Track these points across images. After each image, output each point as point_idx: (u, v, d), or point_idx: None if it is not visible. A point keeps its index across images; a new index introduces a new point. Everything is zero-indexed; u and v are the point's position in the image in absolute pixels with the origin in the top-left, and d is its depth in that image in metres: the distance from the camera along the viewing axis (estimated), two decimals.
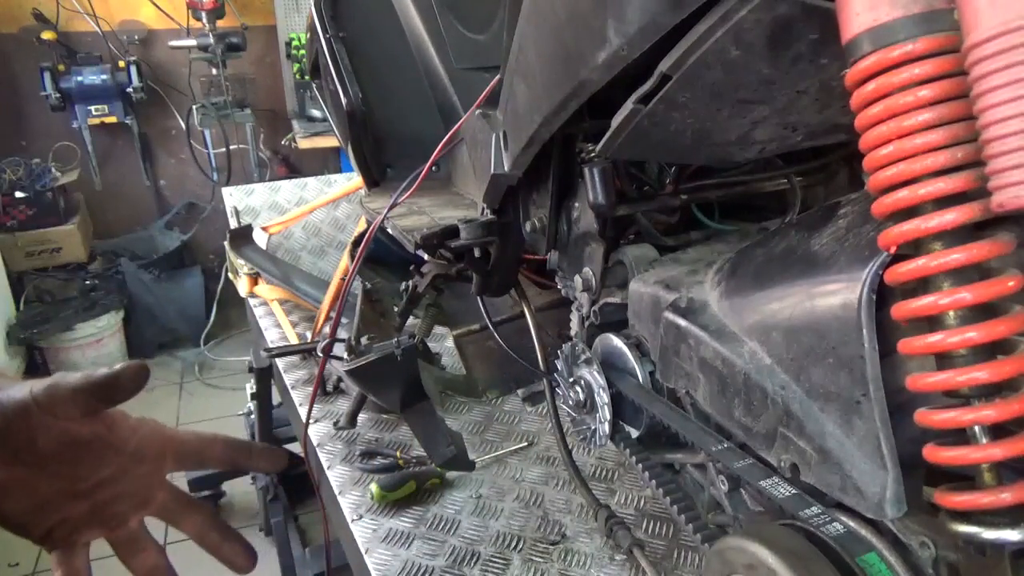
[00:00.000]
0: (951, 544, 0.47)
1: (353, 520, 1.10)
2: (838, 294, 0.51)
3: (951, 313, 0.42)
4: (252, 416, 2.13)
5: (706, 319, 0.67)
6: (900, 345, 0.45)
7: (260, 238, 1.95)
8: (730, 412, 0.63)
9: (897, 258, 0.45)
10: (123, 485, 0.62)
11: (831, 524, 0.53)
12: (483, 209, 1.02)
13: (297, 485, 2.21)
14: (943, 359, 0.43)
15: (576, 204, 0.90)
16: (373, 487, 1.11)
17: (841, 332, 0.50)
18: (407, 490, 1.12)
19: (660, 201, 0.86)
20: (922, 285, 0.43)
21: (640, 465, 0.82)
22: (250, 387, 2.04)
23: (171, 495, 0.66)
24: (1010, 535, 0.41)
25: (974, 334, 0.41)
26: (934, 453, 0.44)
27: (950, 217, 0.40)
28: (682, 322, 0.69)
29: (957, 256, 0.41)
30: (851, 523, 0.53)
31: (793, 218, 0.86)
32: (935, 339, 0.42)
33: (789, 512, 0.56)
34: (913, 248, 0.43)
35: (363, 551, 1.04)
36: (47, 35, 3.62)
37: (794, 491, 0.57)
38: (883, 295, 0.48)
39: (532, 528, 1.08)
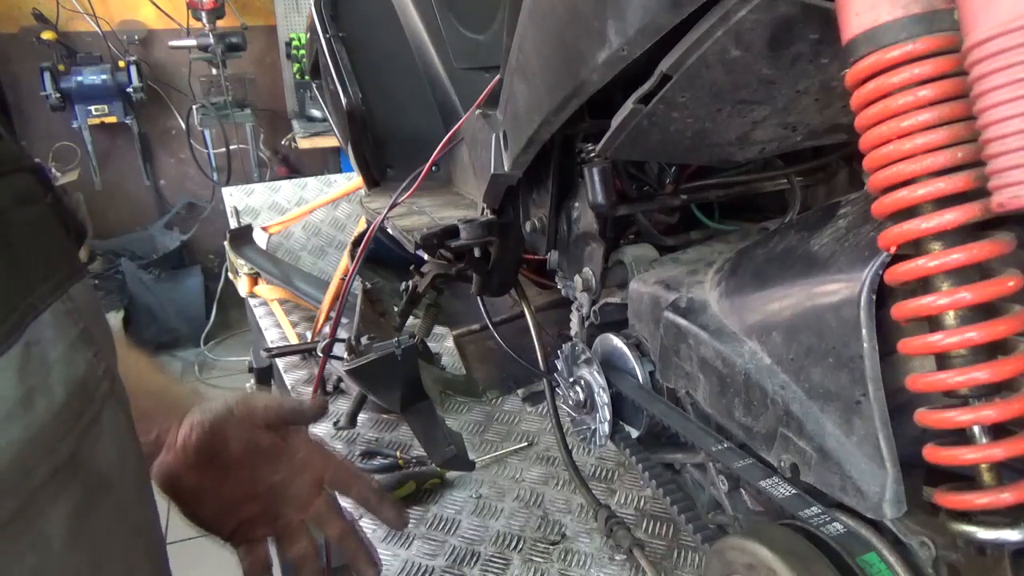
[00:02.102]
0: (951, 544, 0.47)
1: (353, 520, 1.10)
2: (838, 294, 0.51)
3: (951, 313, 0.42)
4: None
5: (706, 319, 0.67)
6: (900, 345, 0.45)
7: (260, 238, 1.95)
8: (730, 412, 0.63)
9: (897, 258, 0.45)
10: (290, 490, 0.73)
11: (831, 524, 0.53)
12: (483, 209, 1.02)
13: None
14: (943, 359, 0.43)
15: (576, 204, 0.90)
16: None
17: (841, 332, 0.50)
18: (407, 490, 1.12)
19: (660, 201, 0.86)
20: (922, 285, 0.43)
21: (640, 465, 0.83)
22: (250, 387, 2.04)
23: (326, 503, 0.77)
24: (1010, 535, 0.41)
25: (974, 334, 0.41)
26: (934, 453, 0.44)
27: (950, 217, 0.40)
28: (682, 322, 0.69)
29: (957, 256, 0.41)
30: (851, 523, 0.53)
31: (793, 218, 0.86)
32: (935, 339, 0.42)
33: (789, 512, 0.56)
34: (913, 248, 0.43)
35: None
36: (47, 35, 3.62)
37: (794, 491, 0.57)
38: (883, 295, 0.48)
39: (532, 528, 1.08)
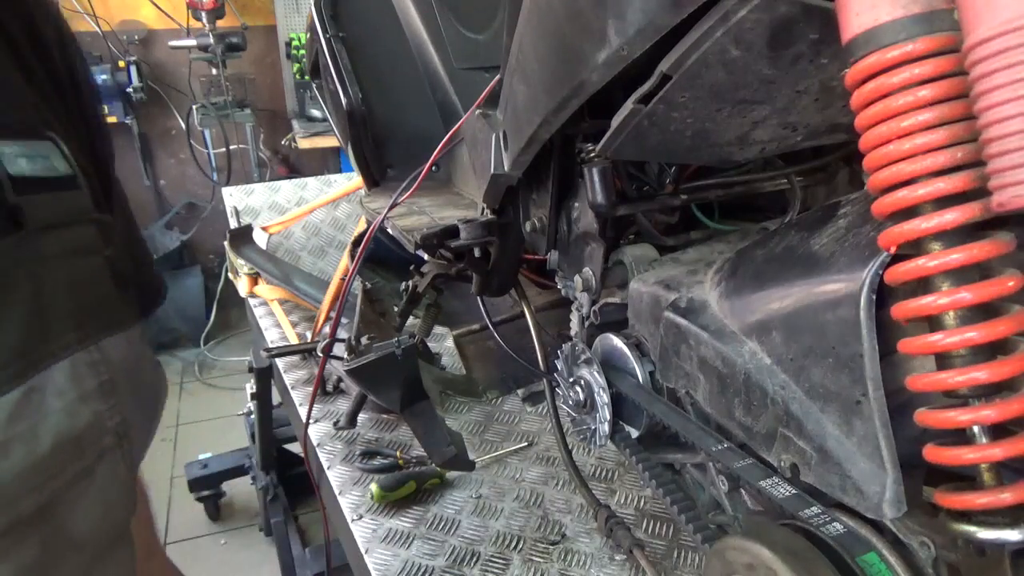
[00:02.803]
0: (951, 544, 0.47)
1: (353, 520, 1.10)
2: (838, 294, 0.51)
3: (951, 313, 0.42)
4: (252, 416, 2.13)
5: (706, 319, 0.67)
6: (900, 345, 0.45)
7: (260, 238, 1.95)
8: (730, 412, 0.63)
9: (897, 258, 0.45)
10: None
11: (831, 524, 0.53)
12: (483, 209, 1.02)
13: (297, 485, 2.21)
14: (943, 359, 0.43)
15: (576, 204, 0.90)
16: (373, 487, 1.11)
17: (841, 332, 0.50)
18: (407, 490, 1.12)
19: (660, 201, 0.86)
20: (922, 285, 0.43)
21: (640, 465, 0.82)
22: (250, 387, 2.04)
23: None
24: (1009, 535, 0.41)
25: (974, 334, 0.41)
26: (934, 453, 0.44)
27: (950, 217, 0.40)
28: (682, 322, 0.69)
29: (957, 256, 0.41)
30: (851, 523, 0.53)
31: (793, 218, 0.86)
32: (935, 339, 0.42)
33: (789, 512, 0.56)
34: (913, 248, 0.43)
35: (363, 551, 1.04)
36: None
37: (794, 491, 0.57)
38: (883, 295, 0.48)
39: (532, 528, 1.08)
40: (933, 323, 0.43)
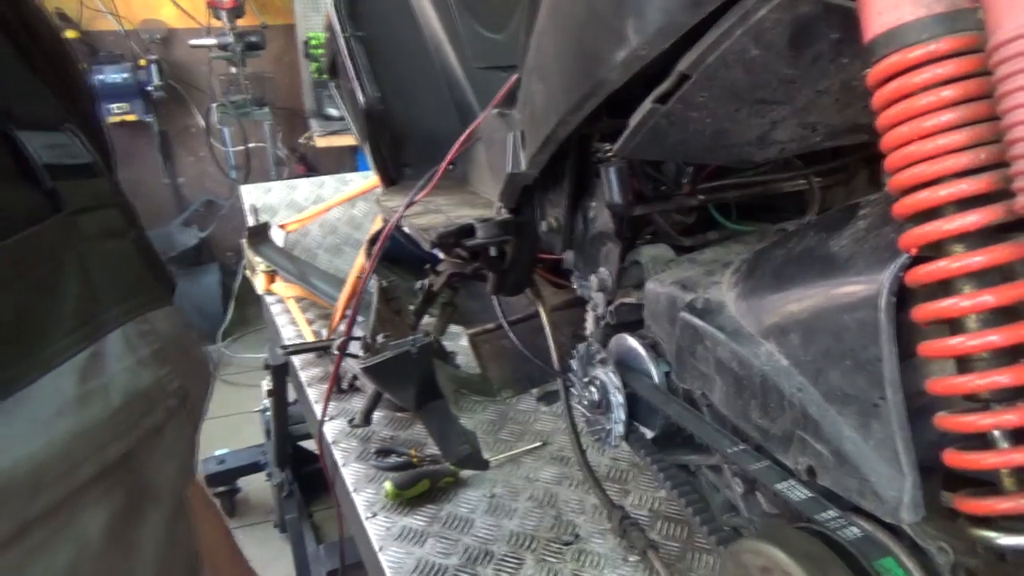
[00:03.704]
0: (970, 549, 0.46)
1: (367, 517, 1.10)
2: (857, 296, 0.50)
3: (972, 316, 0.41)
4: (268, 413, 2.14)
5: (723, 320, 0.66)
6: (920, 348, 0.44)
7: (277, 236, 1.96)
8: (746, 414, 0.62)
9: (918, 260, 0.44)
10: None
11: (848, 528, 0.53)
12: (499, 208, 1.02)
13: (312, 482, 2.22)
14: (964, 362, 0.43)
15: (592, 204, 0.90)
16: (387, 485, 1.12)
17: (860, 334, 0.49)
18: (421, 488, 1.13)
19: (677, 201, 0.86)
20: (943, 287, 0.43)
21: (655, 466, 0.82)
22: (266, 384, 2.05)
23: None
24: None
25: (995, 337, 0.40)
26: (954, 458, 0.43)
27: (972, 219, 0.40)
28: (699, 323, 0.69)
29: (979, 258, 0.40)
30: (868, 527, 0.53)
31: (812, 219, 0.86)
32: (956, 342, 0.42)
33: (805, 515, 0.56)
34: (934, 250, 0.43)
35: (377, 548, 1.04)
36: (70, 34, 3.66)
37: (810, 494, 0.57)
38: (903, 297, 0.48)
39: (546, 528, 1.08)
40: (954, 326, 0.42)
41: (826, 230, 0.59)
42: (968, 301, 0.41)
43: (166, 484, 0.49)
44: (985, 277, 0.41)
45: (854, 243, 0.54)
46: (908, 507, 0.47)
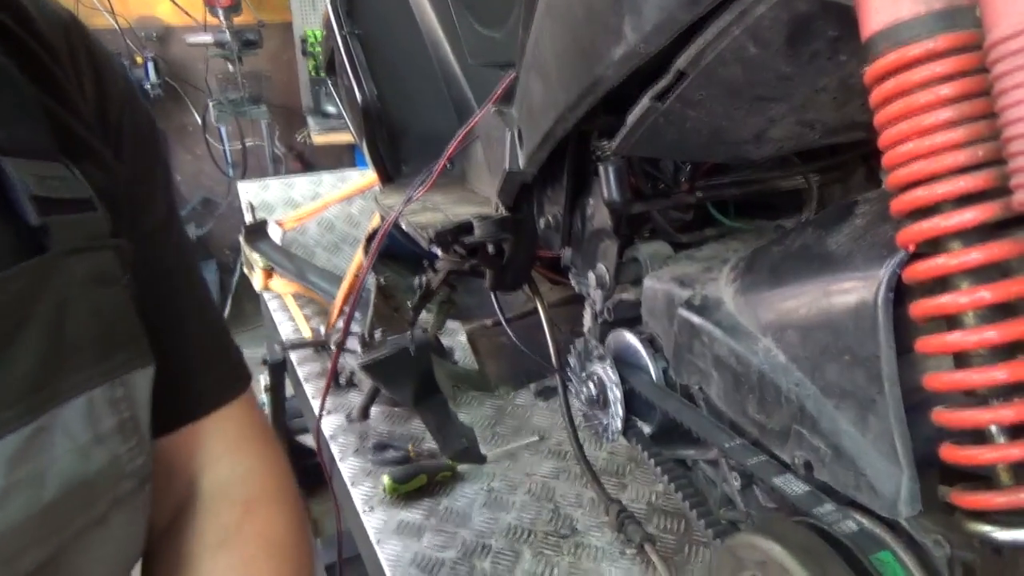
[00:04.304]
0: (967, 544, 0.46)
1: (364, 512, 1.11)
2: (855, 292, 0.50)
3: (969, 312, 0.42)
4: (266, 408, 2.14)
5: (720, 316, 0.67)
6: (918, 344, 0.45)
7: (275, 233, 1.96)
8: (743, 409, 0.63)
9: (915, 256, 0.45)
10: None
11: (845, 522, 0.53)
12: (497, 206, 1.02)
13: (309, 476, 2.22)
14: (961, 358, 0.43)
15: (590, 201, 0.90)
16: (385, 479, 1.12)
17: (858, 330, 0.50)
18: (418, 483, 1.13)
19: (675, 199, 0.86)
20: (940, 284, 0.43)
21: (652, 461, 0.82)
22: (264, 380, 2.05)
23: None
24: None
25: (993, 334, 0.41)
26: (951, 452, 0.43)
27: (970, 216, 0.40)
28: (696, 319, 0.69)
29: (976, 255, 0.40)
30: (865, 521, 0.53)
31: (810, 216, 0.86)
32: (953, 338, 0.42)
33: (802, 509, 0.56)
34: (932, 247, 0.43)
35: (374, 542, 1.05)
36: None
37: (807, 488, 0.57)
38: (901, 293, 0.48)
39: (543, 522, 1.08)
40: (951, 322, 0.43)
41: (823, 227, 0.59)
42: (965, 297, 0.41)
43: None
44: (983, 273, 0.41)
45: (852, 240, 0.55)
46: (905, 501, 0.47)
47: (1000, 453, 0.41)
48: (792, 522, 0.57)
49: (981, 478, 0.44)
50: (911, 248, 0.44)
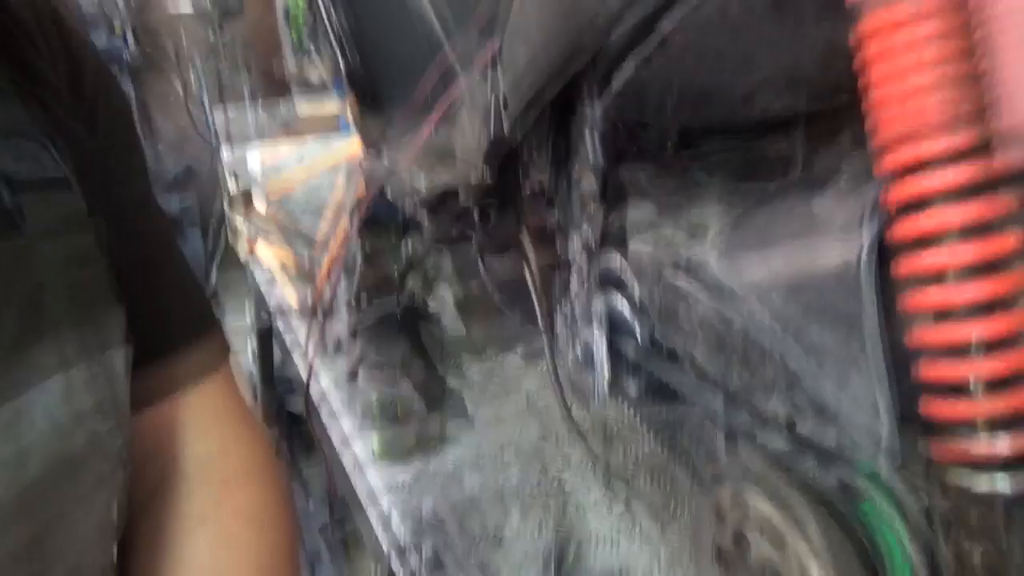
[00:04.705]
0: (946, 494, 0.48)
1: (355, 473, 1.12)
2: (839, 252, 0.51)
3: (953, 270, 0.42)
4: (254, 375, 2.15)
5: (705, 278, 0.67)
6: (900, 302, 0.46)
7: (260, 200, 1.94)
8: (728, 369, 0.64)
9: (899, 216, 0.45)
10: None
11: (827, 476, 0.54)
12: (482, 171, 1.02)
13: (301, 440, 2.23)
14: (943, 314, 0.44)
15: (576, 165, 0.90)
16: (374, 442, 1.13)
17: (841, 290, 0.51)
18: (408, 444, 1.14)
19: (661, 162, 0.86)
20: (923, 243, 0.44)
21: (638, 419, 0.84)
22: (251, 347, 2.05)
23: None
24: (1004, 485, 0.42)
25: (975, 290, 0.42)
26: (931, 406, 0.45)
27: (954, 175, 0.41)
28: (681, 281, 0.70)
29: (959, 214, 0.41)
30: (847, 474, 0.54)
31: (795, 178, 0.86)
32: (936, 296, 0.43)
33: (785, 464, 0.58)
34: (915, 207, 0.44)
35: (365, 503, 1.06)
36: None
37: (790, 444, 0.59)
38: (884, 252, 0.49)
39: (532, 481, 1.10)
40: (935, 279, 0.43)
41: (808, 189, 0.60)
42: (949, 255, 0.42)
43: (85, 560, 0.42)
44: (966, 232, 0.42)
45: (836, 202, 0.55)
46: (886, 455, 0.48)
47: (980, 406, 0.42)
48: (775, 477, 0.59)
49: (961, 430, 0.46)
50: (895, 208, 0.45)
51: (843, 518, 0.51)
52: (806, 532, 0.49)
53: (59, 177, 0.43)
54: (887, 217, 0.48)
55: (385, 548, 0.97)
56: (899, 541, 0.50)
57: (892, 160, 0.43)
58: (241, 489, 0.56)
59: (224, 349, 0.61)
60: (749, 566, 0.53)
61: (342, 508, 1.17)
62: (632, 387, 0.87)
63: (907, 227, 0.44)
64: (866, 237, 0.49)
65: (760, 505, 0.52)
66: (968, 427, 0.44)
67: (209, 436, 0.57)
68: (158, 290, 0.55)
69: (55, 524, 0.39)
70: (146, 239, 0.55)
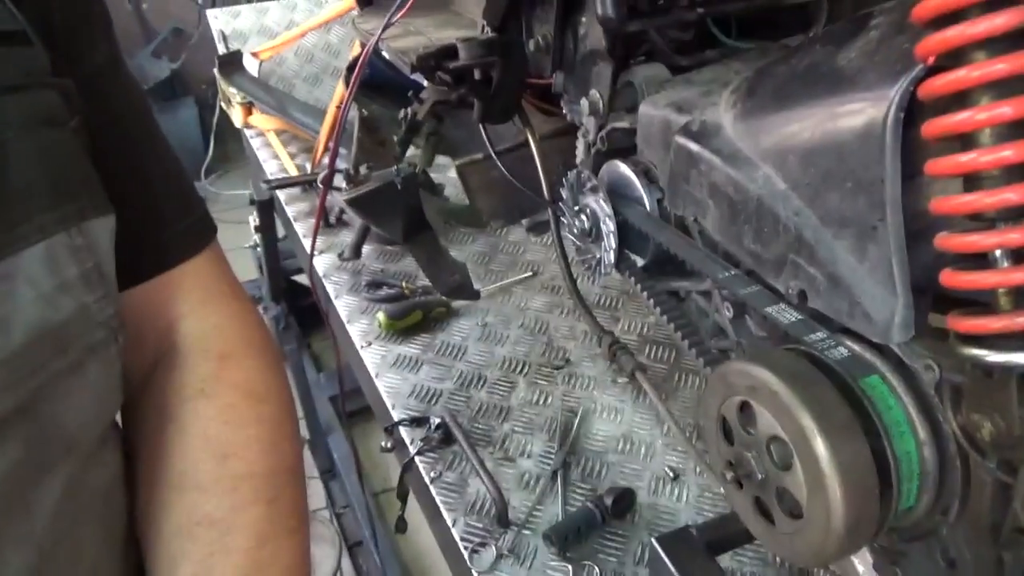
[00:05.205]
0: (957, 367, 0.46)
1: (362, 347, 1.13)
2: (864, 112, 0.47)
3: (987, 130, 0.39)
4: (259, 249, 2.14)
5: (719, 143, 0.64)
6: (928, 166, 0.42)
7: (251, 65, 1.85)
8: (739, 239, 0.61)
9: (933, 71, 0.41)
10: None
11: (836, 348, 0.53)
12: (483, 27, 0.96)
13: (308, 314, 2.26)
14: (971, 180, 0.41)
15: (583, 19, 0.84)
16: (380, 316, 1.13)
17: (864, 153, 0.47)
18: (414, 319, 1.14)
19: (674, 16, 0.79)
20: (958, 100, 0.40)
21: (645, 293, 0.83)
22: (253, 220, 2.03)
23: None
24: (1020, 358, 0.40)
25: (1009, 152, 0.38)
26: (951, 278, 0.42)
27: (1000, 21, 0.36)
28: (693, 146, 0.66)
29: (1002, 66, 0.37)
30: (856, 347, 0.53)
31: (819, 32, 0.80)
32: (967, 158, 0.40)
33: (794, 337, 0.56)
34: (953, 59, 0.40)
35: (373, 375, 1.07)
36: None
37: (800, 317, 0.57)
38: (911, 114, 0.45)
39: (537, 354, 1.10)
40: (966, 141, 0.40)
41: (833, 43, 0.55)
42: (985, 113, 0.38)
43: (81, 426, 0.43)
44: (1005, 87, 0.38)
45: (863, 56, 0.51)
46: (899, 327, 0.47)
47: (1003, 277, 0.40)
48: (783, 349, 0.57)
49: (974, 304, 0.44)
50: (930, 60, 0.41)
51: (850, 391, 0.50)
52: (811, 405, 0.48)
53: (17, 30, 0.41)
54: (919, 72, 0.44)
55: (395, 418, 0.99)
56: (906, 414, 0.49)
57: (930, 4, 0.38)
58: (238, 363, 0.56)
59: (210, 227, 0.59)
60: (754, 438, 0.53)
61: (352, 380, 1.19)
62: (639, 259, 0.85)
63: (942, 82, 0.40)
64: (895, 94, 0.45)
65: (766, 378, 0.51)
66: (985, 301, 0.42)
67: (203, 312, 0.57)
68: (136, 163, 0.53)
69: (47, 391, 0.39)
70: (117, 111, 0.52)
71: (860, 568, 0.65)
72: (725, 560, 0.79)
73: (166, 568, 0.48)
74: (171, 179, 0.56)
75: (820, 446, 0.47)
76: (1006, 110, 0.38)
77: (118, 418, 0.53)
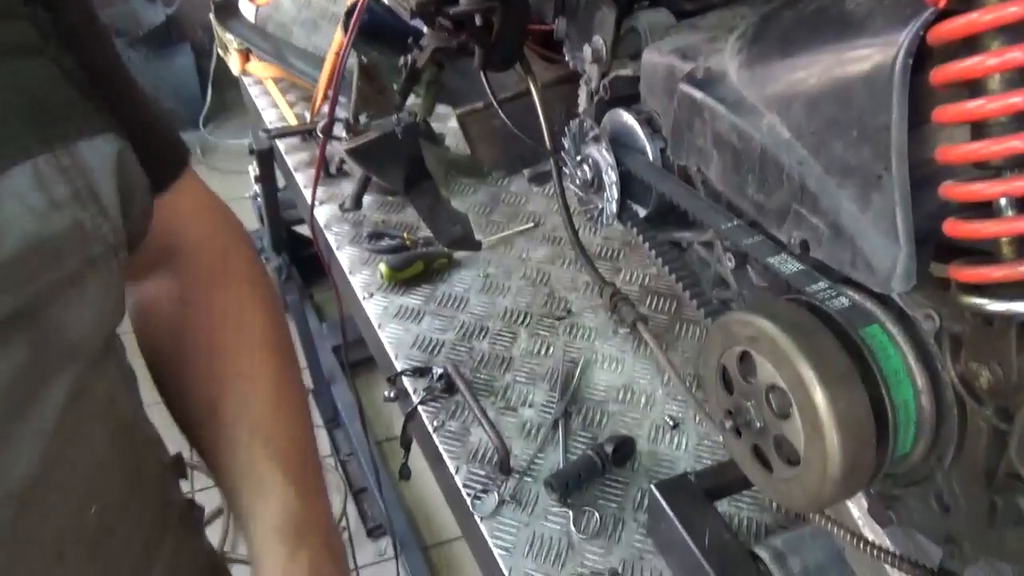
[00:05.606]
0: (957, 316, 0.47)
1: (364, 298, 1.13)
2: (871, 58, 0.46)
3: (996, 76, 0.38)
4: (259, 199, 2.12)
5: (723, 91, 0.63)
6: (936, 113, 0.42)
7: (247, 10, 1.82)
8: (742, 189, 0.61)
9: (943, 16, 0.40)
10: None
11: (837, 298, 0.53)
12: None
13: (310, 265, 2.26)
14: (979, 128, 0.40)
15: None
16: (382, 267, 1.13)
17: (870, 100, 0.46)
18: (416, 269, 1.14)
19: None
20: (968, 46, 0.39)
21: (647, 244, 0.82)
22: (253, 170, 2.01)
23: None
24: (1021, 307, 0.40)
25: (1018, 99, 0.38)
26: (954, 227, 0.42)
27: None
28: (697, 94, 0.65)
29: (1014, 9, 0.36)
30: (857, 297, 0.53)
31: None
32: (975, 105, 0.39)
33: (795, 287, 0.56)
34: (964, 2, 0.39)
35: (376, 326, 1.08)
36: None
37: (802, 267, 0.57)
38: (918, 61, 0.44)
39: (539, 304, 1.11)
40: (975, 88, 0.39)
41: None
42: (995, 59, 0.38)
43: (84, 336, 0.45)
44: (1017, 32, 0.37)
45: (873, 0, 0.49)
46: (900, 277, 0.47)
47: (1007, 226, 0.40)
48: (784, 299, 0.58)
49: (975, 253, 0.44)
50: (942, 3, 0.40)
51: (849, 341, 0.50)
52: (811, 355, 0.49)
53: None
54: (929, 17, 0.43)
55: (397, 368, 1.00)
56: (904, 363, 0.50)
57: None
58: (239, 256, 0.65)
59: (186, 152, 0.63)
60: (753, 387, 0.53)
61: (354, 330, 1.19)
62: (641, 209, 0.85)
63: (952, 26, 0.39)
64: (904, 39, 0.44)
65: (767, 328, 0.51)
66: (992, 248, 0.42)
67: (199, 219, 0.63)
68: (117, 91, 0.53)
69: (47, 299, 0.42)
70: (90, 34, 0.52)
71: (855, 512, 0.67)
72: (723, 506, 0.80)
73: (205, 410, 0.59)
74: (145, 108, 0.58)
75: (818, 395, 0.47)
76: (1017, 55, 0.37)
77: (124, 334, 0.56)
